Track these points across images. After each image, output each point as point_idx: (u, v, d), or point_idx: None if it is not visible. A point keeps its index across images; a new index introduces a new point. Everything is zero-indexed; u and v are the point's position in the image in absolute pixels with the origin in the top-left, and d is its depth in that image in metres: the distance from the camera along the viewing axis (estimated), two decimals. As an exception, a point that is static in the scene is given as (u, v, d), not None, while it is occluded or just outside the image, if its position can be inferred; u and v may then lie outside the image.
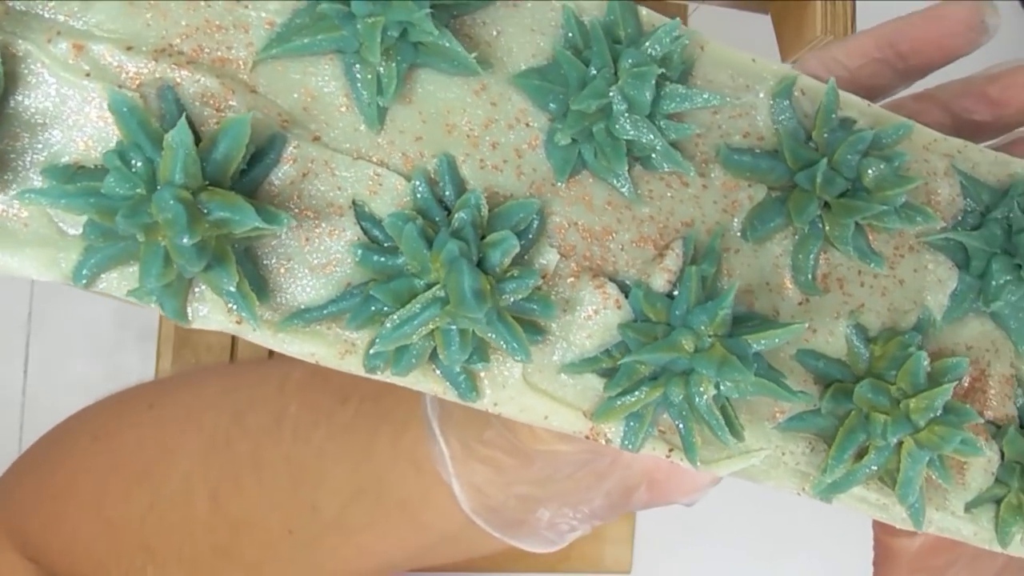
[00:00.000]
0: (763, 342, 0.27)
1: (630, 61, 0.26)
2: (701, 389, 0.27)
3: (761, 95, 0.30)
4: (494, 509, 0.41)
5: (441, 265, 0.25)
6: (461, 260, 0.24)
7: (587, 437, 0.29)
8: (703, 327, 0.27)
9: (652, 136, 0.27)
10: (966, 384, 0.32)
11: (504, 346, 0.26)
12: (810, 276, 0.30)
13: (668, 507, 0.74)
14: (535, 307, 0.27)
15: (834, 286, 0.31)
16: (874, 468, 0.30)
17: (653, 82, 0.26)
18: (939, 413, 0.29)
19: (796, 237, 0.30)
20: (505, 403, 0.28)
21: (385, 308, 0.25)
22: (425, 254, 0.25)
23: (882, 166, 0.28)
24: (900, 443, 0.29)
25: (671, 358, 0.27)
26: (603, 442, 0.29)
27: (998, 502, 0.32)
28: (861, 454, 0.30)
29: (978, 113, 0.37)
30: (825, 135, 0.29)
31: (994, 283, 0.31)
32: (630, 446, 0.29)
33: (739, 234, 0.30)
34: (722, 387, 0.27)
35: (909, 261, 0.32)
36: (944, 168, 0.32)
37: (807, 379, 0.31)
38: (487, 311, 0.24)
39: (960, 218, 0.32)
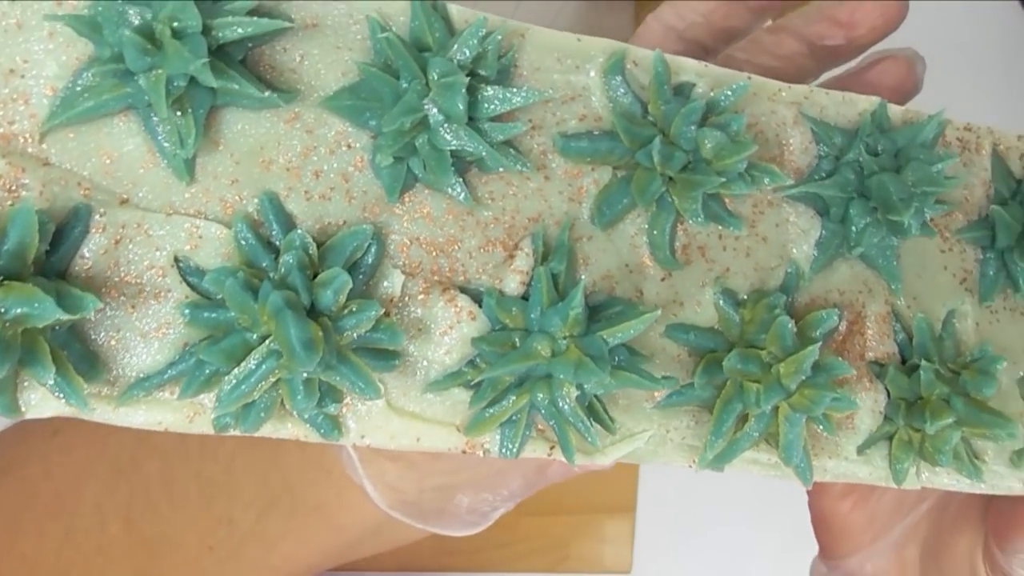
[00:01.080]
0: (619, 335, 0.27)
1: (437, 72, 0.25)
2: (563, 392, 0.27)
3: (592, 74, 0.29)
4: (411, 503, 0.41)
5: (269, 317, 0.24)
6: (286, 311, 0.23)
7: (464, 452, 0.28)
8: (557, 329, 0.27)
9: (476, 143, 0.26)
10: (843, 329, 0.32)
11: (350, 387, 0.25)
12: (668, 251, 0.30)
13: (668, 507, 0.75)
14: (382, 337, 0.26)
15: (696, 255, 0.30)
16: (756, 435, 0.30)
17: (463, 91, 0.25)
18: (808, 375, 0.28)
19: (648, 215, 0.30)
20: (373, 433, 0.27)
21: (221, 368, 0.25)
22: (253, 306, 0.24)
23: (717, 135, 0.28)
24: (776, 408, 0.29)
25: (530, 366, 0.27)
26: (481, 454, 0.28)
27: (889, 439, 0.33)
28: (744, 420, 0.30)
29: (831, 37, 0.36)
30: (661, 107, 0.29)
31: (854, 228, 0.31)
32: (508, 453, 0.28)
33: (590, 221, 0.29)
34: (585, 386, 0.27)
35: (770, 217, 0.31)
36: (793, 117, 0.31)
37: (680, 353, 0.30)
38: (321, 359, 0.24)
39: (815, 164, 0.31)
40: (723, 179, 0.28)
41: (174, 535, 0.43)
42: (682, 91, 0.30)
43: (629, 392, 0.30)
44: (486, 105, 0.26)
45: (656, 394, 0.30)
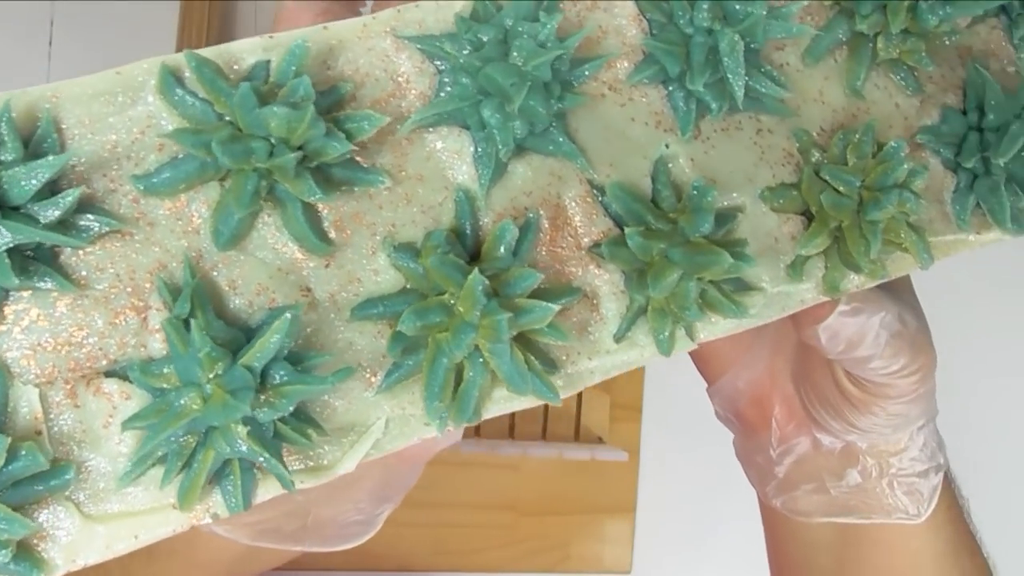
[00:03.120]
0: (259, 357, 0.25)
1: None
2: (233, 436, 0.25)
3: (151, 99, 0.27)
4: (271, 531, 0.39)
5: None
6: None
7: (193, 527, 0.27)
8: (200, 375, 0.25)
9: (25, 233, 0.24)
10: (547, 227, 0.30)
11: (4, 535, 0.23)
12: (315, 238, 0.27)
13: (668, 507, 0.74)
14: (27, 464, 0.24)
15: (352, 226, 0.28)
16: (480, 380, 0.28)
17: None
18: (485, 302, 0.26)
19: (276, 211, 0.27)
20: (83, 552, 0.26)
21: None
22: None
23: (276, 111, 0.25)
24: (476, 347, 0.27)
25: (188, 422, 0.25)
26: (210, 520, 0.27)
27: (644, 314, 0.31)
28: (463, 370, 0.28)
29: None
30: (225, 103, 0.26)
31: (495, 130, 0.28)
32: (238, 507, 0.27)
33: (216, 245, 0.27)
34: (259, 415, 0.25)
35: (415, 153, 0.29)
36: (392, 44, 0.29)
37: (381, 328, 0.28)
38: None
39: (439, 80, 0.29)
40: (304, 152, 0.26)
41: None
42: (256, 74, 0.27)
43: (342, 390, 0.28)
44: (15, 190, 0.24)
45: (372, 380, 0.28)
